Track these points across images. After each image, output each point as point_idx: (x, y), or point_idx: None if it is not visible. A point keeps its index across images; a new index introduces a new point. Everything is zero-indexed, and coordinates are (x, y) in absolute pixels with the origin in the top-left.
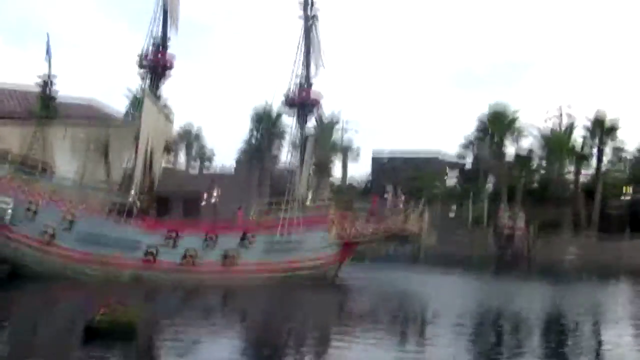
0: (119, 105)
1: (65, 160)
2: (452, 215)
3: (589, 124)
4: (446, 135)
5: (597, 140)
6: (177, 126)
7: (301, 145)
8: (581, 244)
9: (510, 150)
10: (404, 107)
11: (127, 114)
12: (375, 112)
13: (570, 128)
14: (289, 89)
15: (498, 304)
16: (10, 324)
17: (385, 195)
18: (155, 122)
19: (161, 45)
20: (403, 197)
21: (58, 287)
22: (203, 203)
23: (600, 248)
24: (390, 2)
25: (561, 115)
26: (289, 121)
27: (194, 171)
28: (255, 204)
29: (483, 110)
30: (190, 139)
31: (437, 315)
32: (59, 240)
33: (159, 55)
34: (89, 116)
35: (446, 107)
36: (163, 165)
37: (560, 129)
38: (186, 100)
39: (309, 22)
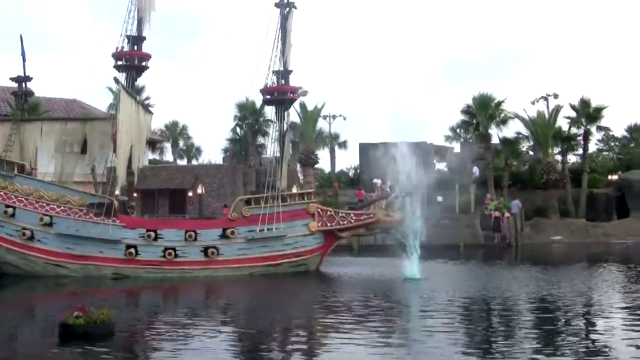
0: (103, 104)
1: (46, 157)
2: (440, 200)
3: (575, 105)
4: (434, 128)
5: (583, 121)
6: (162, 122)
7: (280, 137)
8: (568, 227)
9: (496, 135)
10: (390, 100)
11: (109, 111)
12: (363, 105)
13: (556, 112)
14: (267, 80)
15: (484, 291)
16: None
17: (375, 181)
18: (133, 115)
19: (135, 42)
20: (389, 185)
21: (37, 287)
22: (189, 198)
23: (587, 231)
24: None
25: (547, 99)
26: (270, 114)
27: (181, 166)
28: (238, 197)
29: (468, 101)
30: (175, 134)
31: (424, 304)
32: (38, 240)
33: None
34: (70, 113)
35: (433, 101)
36: (149, 159)
37: (547, 112)
38: (171, 98)
39: (285, 9)
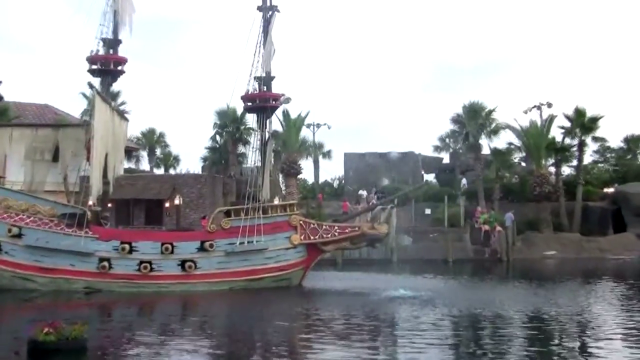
0: (76, 110)
1: (15, 165)
2: (428, 212)
3: (569, 115)
4: (421, 138)
5: (577, 131)
6: (139, 130)
7: (262, 146)
8: (562, 242)
9: (487, 145)
10: (378, 109)
11: (82, 118)
12: (348, 113)
13: (550, 121)
14: (248, 86)
15: (473, 309)
16: None
17: (360, 192)
18: (109, 122)
19: (111, 45)
20: (376, 196)
21: (4, 301)
22: (166, 209)
23: (581, 246)
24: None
25: (540, 108)
26: (252, 122)
27: (158, 176)
28: (217, 208)
29: (458, 110)
30: (152, 142)
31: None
32: (6, 252)
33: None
34: (41, 119)
35: (421, 110)
36: (124, 168)
37: (540, 122)
38: (148, 104)
39: (268, 13)
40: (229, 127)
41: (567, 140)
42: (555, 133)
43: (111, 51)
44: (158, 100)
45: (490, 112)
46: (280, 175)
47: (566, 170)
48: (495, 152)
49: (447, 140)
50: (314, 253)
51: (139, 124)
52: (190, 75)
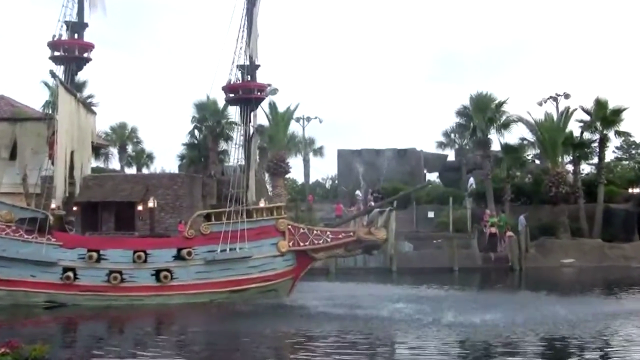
0: (36, 102)
1: None
2: (431, 215)
3: (588, 107)
4: (423, 133)
5: (598, 125)
6: (108, 124)
7: (246, 142)
8: (581, 249)
9: (496, 141)
10: (375, 101)
11: (44, 110)
12: (342, 106)
13: (567, 114)
14: (230, 76)
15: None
16: None
17: (357, 193)
18: (74, 115)
19: (76, 29)
20: (373, 198)
21: None
22: (139, 213)
23: (603, 253)
24: None
25: (556, 99)
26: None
27: (129, 175)
28: (196, 212)
29: (465, 102)
30: (123, 137)
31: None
32: None
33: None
34: None
35: (423, 102)
36: (91, 167)
37: (557, 115)
38: (119, 95)
39: None
40: (209, 121)
41: (587, 135)
42: (573, 127)
43: (76, 36)
44: (129, 92)
45: (501, 104)
46: (267, 175)
47: (586, 168)
48: (506, 148)
49: (452, 135)
50: (303, 261)
51: (108, 117)
52: (165, 63)
